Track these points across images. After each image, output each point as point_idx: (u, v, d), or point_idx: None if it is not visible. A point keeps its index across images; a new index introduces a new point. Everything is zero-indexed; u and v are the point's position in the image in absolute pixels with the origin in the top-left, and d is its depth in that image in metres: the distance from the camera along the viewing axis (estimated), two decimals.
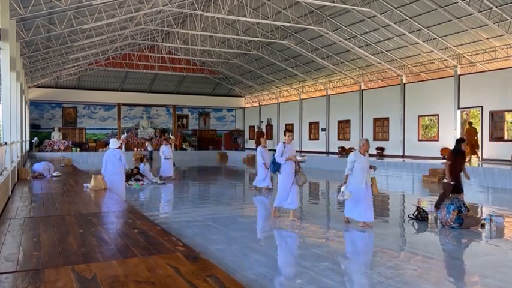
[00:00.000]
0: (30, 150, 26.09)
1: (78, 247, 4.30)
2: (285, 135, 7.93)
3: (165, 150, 14.86)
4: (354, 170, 7.11)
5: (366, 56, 20.85)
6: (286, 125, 30.67)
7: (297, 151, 27.34)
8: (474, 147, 16.49)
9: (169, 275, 3.40)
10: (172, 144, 15.39)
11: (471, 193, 12.16)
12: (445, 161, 8.30)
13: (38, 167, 12.41)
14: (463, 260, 5.56)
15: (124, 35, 21.66)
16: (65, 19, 15.33)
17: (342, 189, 7.12)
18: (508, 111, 16.84)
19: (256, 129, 31.09)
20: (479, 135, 17.03)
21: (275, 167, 7.72)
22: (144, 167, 14.14)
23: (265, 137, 12.56)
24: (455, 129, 18.33)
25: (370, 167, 7.27)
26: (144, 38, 24.20)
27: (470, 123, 17.57)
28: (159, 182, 13.72)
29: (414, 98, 20.62)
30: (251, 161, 26.01)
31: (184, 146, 31.93)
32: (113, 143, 9.50)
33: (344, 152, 23.13)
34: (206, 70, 31.57)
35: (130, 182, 12.89)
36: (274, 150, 7.88)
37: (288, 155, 7.59)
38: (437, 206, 7.81)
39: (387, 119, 22.16)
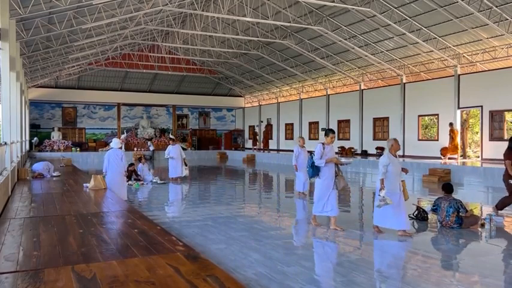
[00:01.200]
0: (30, 150, 26.10)
1: (78, 247, 4.30)
2: (327, 135, 7.00)
3: (171, 151, 14.43)
4: (388, 173, 6.48)
5: (366, 56, 20.86)
6: (286, 124, 30.68)
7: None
8: (456, 148, 17.57)
9: (169, 274, 3.40)
10: (176, 144, 15.12)
11: (471, 193, 12.17)
12: (507, 161, 7.81)
13: (38, 167, 12.42)
14: (463, 260, 5.55)
15: (124, 35, 21.66)
16: (64, 19, 15.33)
17: (382, 194, 6.37)
18: (508, 111, 16.84)
19: (264, 129, 30.99)
20: (479, 134, 17.10)
21: (314, 171, 6.91)
22: (143, 167, 14.12)
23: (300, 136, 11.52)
24: (455, 129, 18.32)
25: (402, 169, 6.75)
26: (144, 37, 24.20)
27: (451, 124, 18.07)
28: (159, 181, 13.71)
29: (414, 98, 20.62)
30: (251, 161, 26.03)
31: (184, 146, 31.93)
32: (115, 143, 9.51)
33: (344, 151, 23.15)
34: (206, 70, 31.57)
35: (130, 182, 12.88)
36: (311, 153, 7.23)
37: (327, 157, 6.83)
38: (501, 207, 7.87)
39: (387, 118, 22.16)
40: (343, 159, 7.22)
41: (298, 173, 11.08)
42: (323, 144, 6.91)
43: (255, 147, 32.15)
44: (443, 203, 7.12)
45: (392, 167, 6.52)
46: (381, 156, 6.79)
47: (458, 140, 17.94)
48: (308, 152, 10.24)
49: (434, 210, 7.29)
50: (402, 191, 6.59)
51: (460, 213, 6.95)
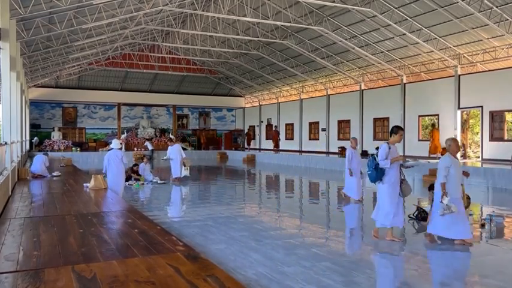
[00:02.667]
0: (30, 150, 26.09)
1: (78, 247, 4.31)
2: (394, 133, 6.20)
3: (170, 152, 14.35)
4: (449, 177, 5.87)
5: (366, 56, 20.86)
6: (286, 124, 30.66)
7: (297, 151, 27.52)
8: (436, 148, 18.17)
9: (169, 274, 3.40)
10: (176, 144, 15.01)
11: (471, 193, 12.14)
12: None
13: (36, 167, 12.36)
14: (463, 260, 5.55)
15: (124, 35, 21.66)
16: (65, 19, 15.33)
17: (445, 202, 5.74)
18: (508, 111, 16.83)
19: (274, 128, 30.95)
20: (479, 135, 17.14)
21: (378, 174, 6.07)
22: (144, 167, 14.12)
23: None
24: (456, 129, 18.33)
25: (463, 172, 6.17)
26: (144, 37, 24.20)
27: (433, 125, 18.64)
28: (159, 181, 13.71)
29: (414, 98, 20.62)
30: (251, 161, 26.03)
31: (184, 146, 31.91)
32: (115, 143, 9.52)
33: (344, 152, 23.11)
34: (206, 70, 31.57)
35: (130, 182, 12.89)
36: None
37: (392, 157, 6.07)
38: None
39: (387, 119, 22.16)
40: (409, 162, 6.52)
41: (351, 178, 9.88)
42: (388, 143, 6.12)
43: (249, 147, 32.32)
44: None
45: (454, 170, 5.90)
46: (441, 158, 6.13)
47: (440, 140, 18.38)
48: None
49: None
50: (462, 196, 6.08)
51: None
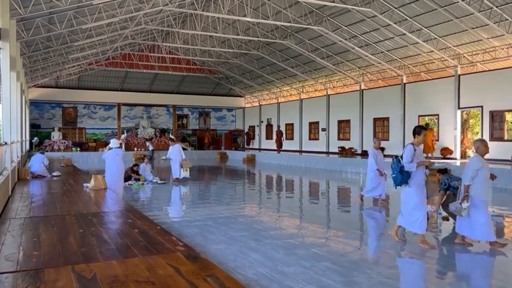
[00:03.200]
0: (30, 150, 26.09)
1: (78, 247, 4.30)
2: (418, 134, 5.90)
3: (170, 152, 14.29)
4: (477, 179, 5.66)
5: (366, 56, 20.86)
6: (286, 124, 30.65)
7: (297, 151, 27.52)
8: (429, 147, 18.14)
9: (169, 274, 3.40)
10: (176, 144, 14.96)
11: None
12: None
13: (36, 167, 12.36)
14: (463, 260, 5.55)
15: (124, 35, 21.66)
16: (65, 19, 15.33)
17: (465, 205, 5.58)
18: (509, 111, 16.84)
19: (277, 128, 30.87)
20: (479, 135, 17.12)
21: (403, 177, 5.77)
22: (145, 167, 14.13)
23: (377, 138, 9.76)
24: (456, 129, 18.34)
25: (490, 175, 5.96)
26: (144, 38, 24.20)
27: (427, 125, 18.86)
28: (159, 181, 13.71)
29: (414, 98, 20.62)
30: (251, 161, 26.02)
31: (184, 146, 31.91)
32: (114, 142, 9.54)
33: (344, 152, 23.14)
34: (206, 70, 31.58)
35: (130, 182, 12.89)
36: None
37: (418, 160, 5.81)
38: None
39: (387, 119, 22.16)
40: (436, 164, 6.19)
41: (377, 179, 9.54)
42: (413, 144, 5.85)
43: (248, 146, 32.28)
44: (456, 182, 6.67)
45: (484, 172, 5.69)
46: (471, 159, 5.90)
47: (434, 140, 18.56)
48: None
49: (447, 189, 6.84)
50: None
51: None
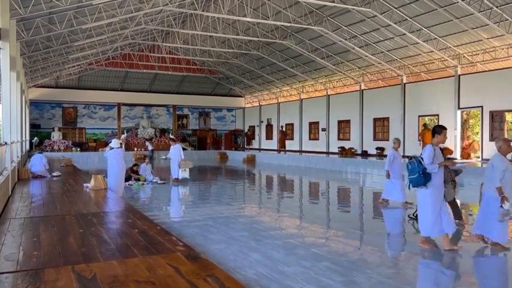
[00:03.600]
0: (30, 150, 26.09)
1: (78, 247, 4.31)
2: (438, 133, 5.71)
3: (170, 152, 14.24)
4: (503, 180, 5.44)
5: (366, 56, 20.86)
6: (286, 124, 30.65)
7: (297, 151, 27.53)
8: None
9: (169, 274, 3.40)
10: (176, 144, 14.92)
11: (471, 193, 12.15)
12: None
13: (36, 167, 12.36)
14: (462, 260, 5.54)
15: (124, 35, 21.66)
16: (65, 19, 15.33)
17: (506, 207, 5.32)
18: (509, 111, 16.84)
19: (279, 129, 30.87)
20: (479, 135, 17.12)
21: (426, 179, 5.51)
22: (146, 167, 14.13)
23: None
24: (456, 129, 18.34)
25: None
26: (144, 38, 24.20)
27: (425, 125, 18.94)
28: (159, 181, 13.71)
29: (414, 98, 20.62)
30: (251, 161, 26.02)
31: (184, 146, 31.91)
32: (115, 142, 9.63)
33: (344, 152, 23.14)
34: (206, 70, 31.57)
35: (130, 182, 12.89)
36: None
37: (438, 161, 5.58)
38: None
39: (387, 119, 22.16)
40: (458, 165, 5.75)
41: (394, 181, 9.20)
42: (432, 145, 5.65)
43: (248, 146, 32.26)
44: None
45: (509, 173, 5.47)
46: (495, 159, 5.63)
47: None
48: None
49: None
50: None
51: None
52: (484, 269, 5.31)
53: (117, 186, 9.31)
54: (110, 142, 9.89)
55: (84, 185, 9.69)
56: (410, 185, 5.73)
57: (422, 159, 5.56)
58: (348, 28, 18.88)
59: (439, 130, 5.70)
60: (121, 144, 10.24)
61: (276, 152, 26.75)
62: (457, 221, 6.84)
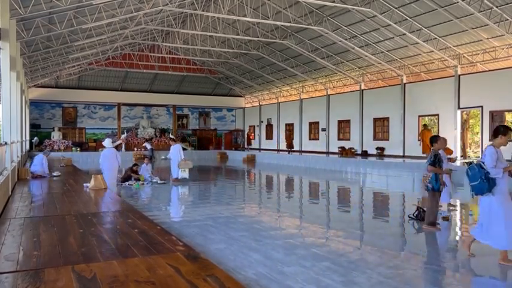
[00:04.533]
0: (30, 150, 26.09)
1: (78, 247, 4.31)
2: (503, 134, 5.04)
3: (170, 152, 14.21)
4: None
5: (366, 56, 20.86)
6: (286, 124, 30.64)
7: (297, 151, 27.53)
8: (426, 147, 17.89)
9: (169, 274, 3.40)
10: (176, 144, 14.91)
11: (470, 193, 12.14)
12: None
13: (37, 167, 12.37)
14: (463, 260, 5.54)
15: (124, 35, 21.66)
16: (65, 19, 15.33)
17: None
18: (508, 111, 16.84)
19: (285, 129, 30.80)
20: (479, 135, 17.14)
21: (490, 184, 4.91)
22: (146, 167, 14.12)
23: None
24: (455, 129, 18.34)
25: None
26: (144, 37, 24.20)
27: (425, 126, 19.12)
28: (159, 181, 13.71)
29: (414, 98, 20.62)
30: (251, 161, 26.02)
31: (184, 146, 31.89)
32: (107, 142, 10.38)
33: (344, 152, 23.13)
34: (206, 70, 31.58)
35: (130, 182, 12.89)
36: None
37: (503, 165, 4.98)
38: None
39: (387, 119, 22.16)
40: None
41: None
42: (494, 146, 5.05)
43: (248, 146, 32.28)
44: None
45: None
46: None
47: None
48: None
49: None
50: None
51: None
52: None
53: (110, 184, 9.79)
54: (104, 140, 10.54)
55: (84, 185, 9.70)
56: (473, 193, 5.15)
57: (483, 163, 5.02)
58: (348, 28, 18.88)
59: (503, 131, 5.05)
60: (120, 144, 10.66)
61: (276, 152, 26.73)
62: None
